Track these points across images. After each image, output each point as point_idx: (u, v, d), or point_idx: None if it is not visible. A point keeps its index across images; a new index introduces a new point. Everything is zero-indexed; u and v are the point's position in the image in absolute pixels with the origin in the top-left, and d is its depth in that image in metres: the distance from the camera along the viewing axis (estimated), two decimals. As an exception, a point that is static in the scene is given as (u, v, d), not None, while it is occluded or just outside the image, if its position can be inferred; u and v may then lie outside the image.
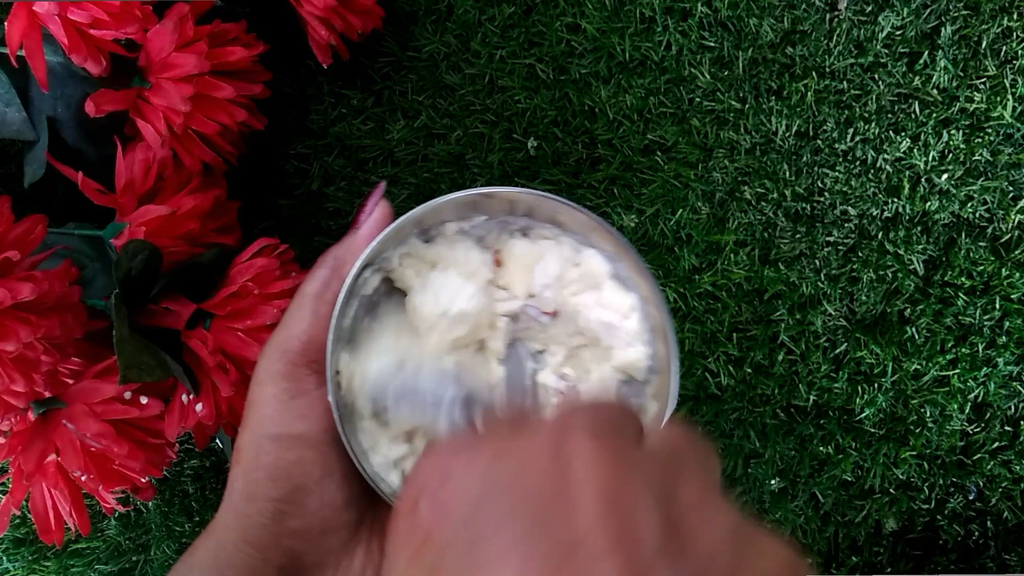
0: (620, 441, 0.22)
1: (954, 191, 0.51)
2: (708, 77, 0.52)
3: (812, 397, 0.52)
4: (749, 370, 0.53)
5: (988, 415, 0.52)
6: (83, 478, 0.42)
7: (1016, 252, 0.51)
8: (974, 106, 0.50)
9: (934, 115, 0.51)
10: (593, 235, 0.36)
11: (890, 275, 0.51)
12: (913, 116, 0.51)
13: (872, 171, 0.51)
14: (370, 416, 0.34)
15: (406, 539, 0.22)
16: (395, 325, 0.36)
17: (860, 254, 0.52)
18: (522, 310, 0.37)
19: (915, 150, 0.51)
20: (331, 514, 0.32)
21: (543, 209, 0.36)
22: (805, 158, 0.52)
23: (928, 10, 0.50)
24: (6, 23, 0.39)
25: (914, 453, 0.52)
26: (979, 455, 0.52)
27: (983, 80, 0.50)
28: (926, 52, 0.51)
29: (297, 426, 0.32)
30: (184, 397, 0.43)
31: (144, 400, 0.43)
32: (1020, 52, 0.50)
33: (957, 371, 0.52)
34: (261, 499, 0.31)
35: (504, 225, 0.37)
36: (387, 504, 0.32)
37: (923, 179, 0.51)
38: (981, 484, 0.52)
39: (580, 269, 0.36)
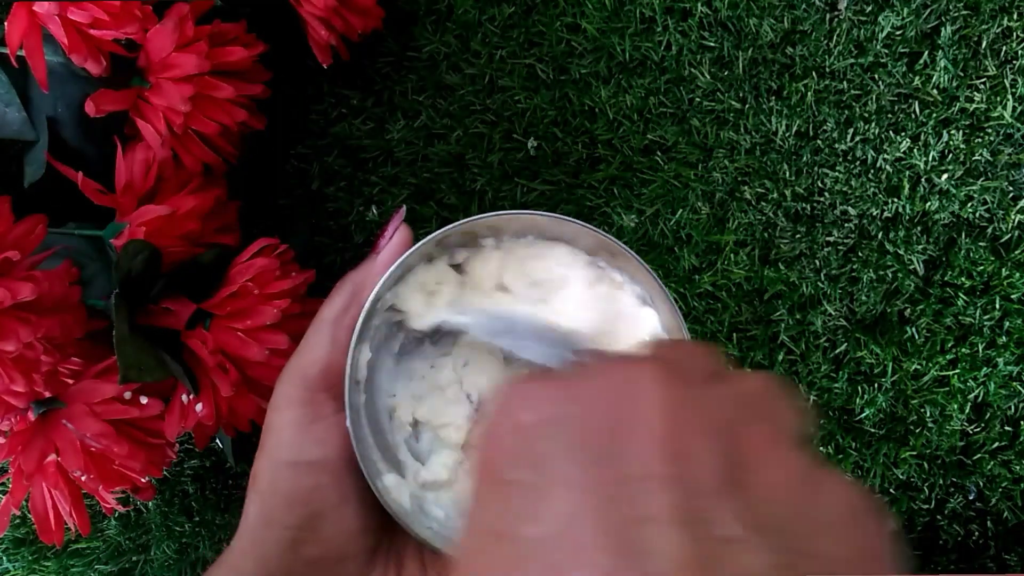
0: (689, 380, 0.22)
1: (954, 191, 0.51)
2: (708, 77, 0.52)
3: (812, 397, 0.52)
4: (749, 370, 0.53)
5: (988, 415, 0.52)
6: (83, 478, 0.42)
7: (1016, 252, 0.51)
8: (974, 106, 0.50)
9: (934, 115, 0.51)
10: (618, 260, 0.36)
11: (890, 275, 0.51)
12: (913, 116, 0.51)
13: (872, 171, 0.51)
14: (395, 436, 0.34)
15: (486, 466, 0.23)
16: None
17: (860, 254, 0.52)
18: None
19: (915, 150, 0.51)
20: (348, 541, 0.32)
21: (562, 232, 0.36)
22: (805, 158, 0.52)
23: (928, 10, 0.50)
24: (6, 23, 0.39)
25: (914, 453, 0.52)
26: (979, 455, 0.52)
27: (983, 80, 0.50)
28: (926, 52, 0.51)
29: (314, 452, 0.31)
30: (184, 397, 0.43)
31: (144, 400, 0.43)
32: (1020, 52, 0.50)
33: (957, 371, 0.52)
34: (278, 526, 0.31)
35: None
36: (403, 531, 0.32)
37: (923, 179, 0.51)
38: (981, 484, 0.52)
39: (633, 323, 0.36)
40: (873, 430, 0.52)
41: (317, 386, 0.32)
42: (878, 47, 0.51)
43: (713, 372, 0.23)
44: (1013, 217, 0.51)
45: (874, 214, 0.51)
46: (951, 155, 0.51)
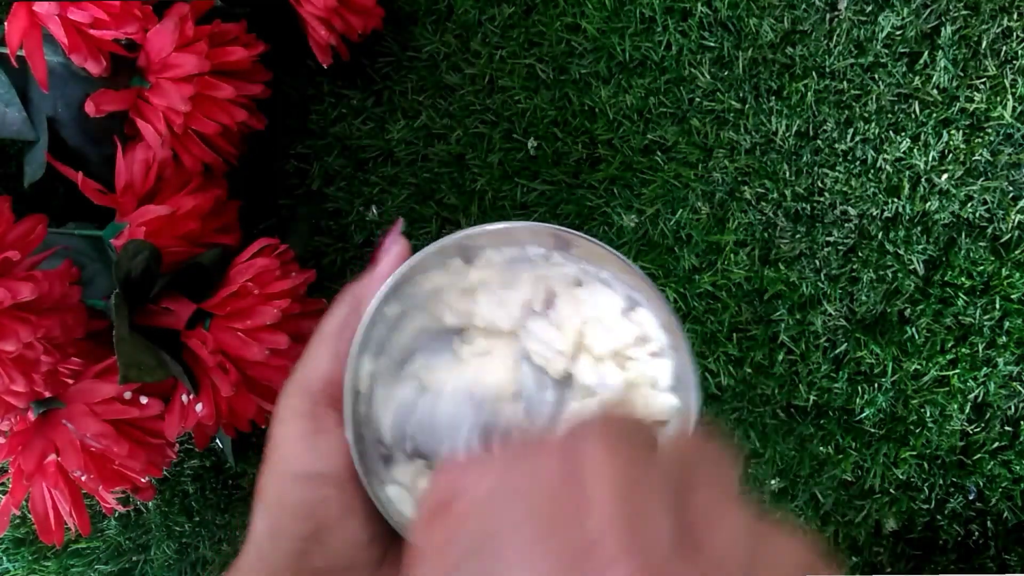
0: (631, 447, 0.22)
1: (954, 191, 0.51)
2: (708, 77, 0.52)
3: (812, 397, 0.52)
4: (749, 370, 0.53)
5: (988, 415, 0.52)
6: (83, 478, 0.42)
7: (1016, 252, 0.51)
8: (974, 106, 0.50)
9: (934, 115, 0.51)
10: (623, 275, 0.36)
11: (890, 275, 0.51)
12: (913, 116, 0.51)
13: (872, 171, 0.51)
14: (393, 448, 0.34)
15: (425, 553, 0.23)
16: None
17: (860, 254, 0.52)
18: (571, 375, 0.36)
19: (915, 150, 0.51)
20: (354, 552, 0.32)
21: (572, 245, 0.35)
22: (805, 158, 0.52)
23: (928, 10, 0.50)
24: (6, 23, 0.39)
25: (914, 453, 0.52)
26: (979, 455, 0.52)
27: (983, 80, 0.50)
28: (926, 52, 0.51)
29: (320, 465, 0.32)
30: (184, 397, 0.43)
31: (144, 400, 0.43)
32: (1020, 52, 0.50)
33: (957, 371, 0.52)
34: (285, 538, 0.31)
35: (546, 259, 0.37)
36: (408, 541, 0.32)
37: (923, 179, 0.51)
38: (981, 484, 0.52)
39: (636, 334, 0.36)
40: (873, 430, 0.52)
41: (320, 399, 0.32)
42: (878, 47, 0.51)
43: (649, 439, 0.23)
44: (1013, 217, 0.51)
45: (874, 214, 0.51)
46: (951, 155, 0.51)
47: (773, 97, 0.52)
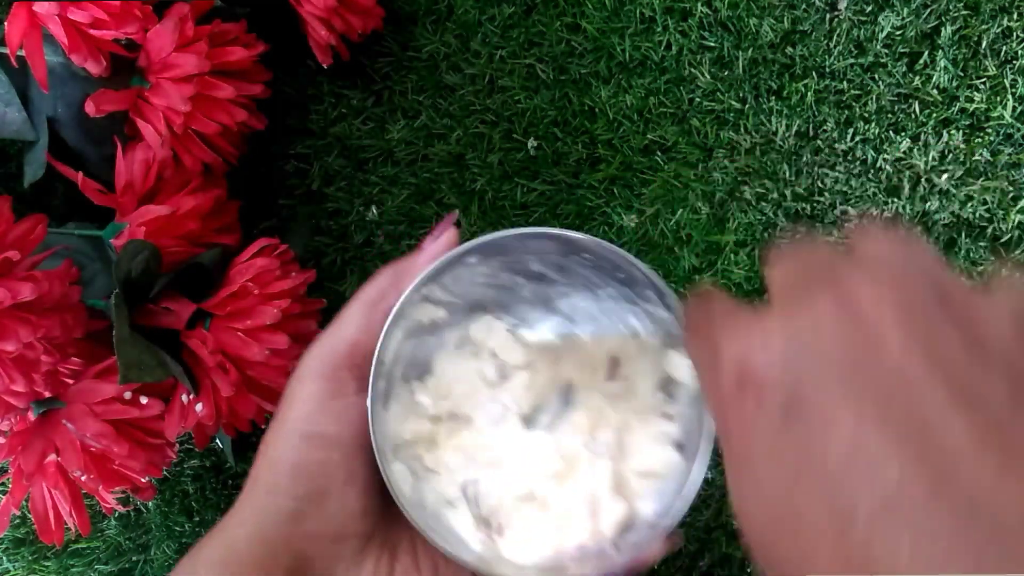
0: (890, 273, 0.23)
1: (954, 191, 0.51)
2: (708, 77, 0.52)
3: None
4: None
5: (988, 415, 0.52)
6: (83, 478, 0.42)
7: (1016, 252, 0.51)
8: (974, 106, 0.50)
9: (934, 115, 0.51)
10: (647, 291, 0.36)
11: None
12: (913, 116, 0.51)
13: (872, 171, 0.51)
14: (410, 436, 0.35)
15: (743, 424, 0.23)
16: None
17: (860, 254, 0.52)
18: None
19: (915, 150, 0.51)
20: (347, 521, 0.32)
21: (603, 255, 0.36)
22: (805, 158, 0.52)
23: (928, 10, 0.50)
24: (6, 23, 0.39)
25: (914, 453, 0.52)
26: (979, 455, 0.52)
27: (983, 80, 0.50)
28: (926, 52, 0.51)
29: (330, 427, 0.32)
30: (184, 397, 0.43)
31: (144, 400, 0.43)
32: (1020, 52, 0.50)
33: (957, 371, 0.52)
34: (282, 495, 0.31)
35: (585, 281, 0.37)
36: (398, 521, 0.32)
37: (923, 179, 0.51)
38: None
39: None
40: (873, 430, 0.52)
41: (343, 363, 0.32)
42: (878, 47, 0.51)
43: (897, 262, 0.24)
44: (1013, 217, 0.51)
45: (874, 214, 0.51)
46: (951, 155, 0.51)
47: (773, 97, 0.52)
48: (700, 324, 0.26)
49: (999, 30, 0.50)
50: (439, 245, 0.34)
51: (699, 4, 0.51)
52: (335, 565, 0.32)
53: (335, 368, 0.32)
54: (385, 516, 0.33)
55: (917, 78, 0.51)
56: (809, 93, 0.51)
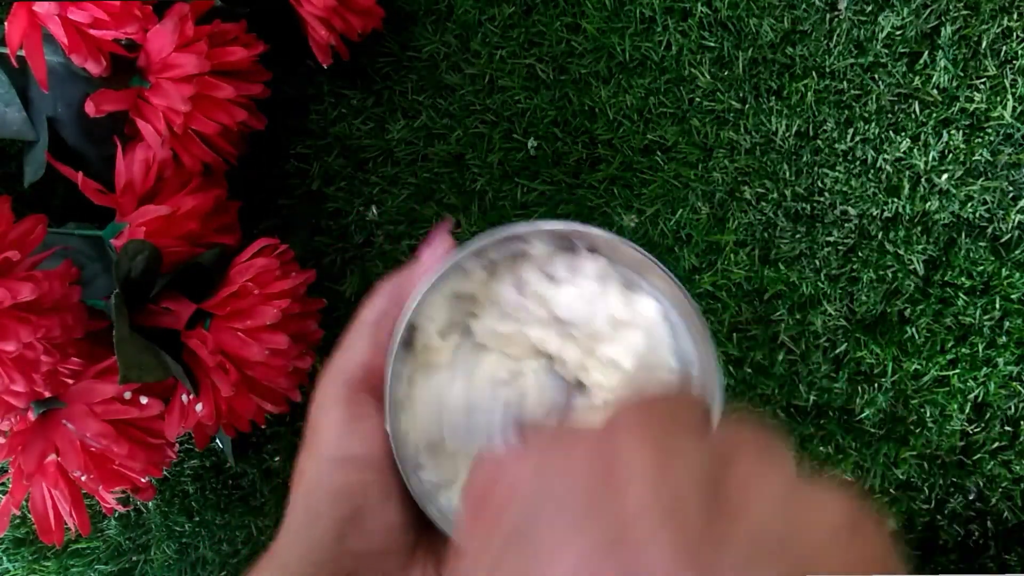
0: (664, 429, 0.23)
1: (954, 191, 0.51)
2: (708, 77, 0.52)
3: (812, 397, 0.52)
4: (749, 370, 0.53)
5: (988, 415, 0.52)
6: (83, 478, 0.42)
7: (1016, 252, 0.51)
8: (974, 106, 0.50)
9: (934, 115, 0.51)
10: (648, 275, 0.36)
11: (890, 275, 0.51)
12: (913, 116, 0.51)
13: (872, 171, 0.51)
14: (426, 448, 0.35)
15: (469, 547, 0.24)
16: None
17: (860, 254, 0.52)
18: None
19: (915, 150, 0.51)
20: (390, 536, 0.33)
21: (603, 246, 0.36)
22: (805, 158, 0.52)
23: (928, 10, 0.50)
24: (6, 23, 0.39)
25: (914, 453, 0.52)
26: (979, 455, 0.52)
27: (983, 80, 0.50)
28: (926, 52, 0.51)
29: (358, 449, 0.33)
30: (184, 397, 0.43)
31: (144, 400, 0.43)
32: (1020, 52, 0.50)
33: (957, 371, 0.52)
34: (324, 519, 0.32)
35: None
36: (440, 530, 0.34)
37: (923, 179, 0.51)
38: (981, 484, 0.52)
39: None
40: (873, 430, 0.52)
41: (359, 387, 0.33)
42: (878, 47, 0.51)
43: (693, 419, 0.24)
44: (1013, 217, 0.50)
45: (874, 214, 0.51)
46: (951, 155, 0.51)
47: (773, 97, 0.52)
48: (479, 457, 0.26)
49: (999, 30, 0.50)
50: (435, 254, 0.35)
51: (699, 4, 0.51)
52: None
53: (353, 391, 0.33)
54: (428, 524, 0.34)
55: (917, 78, 0.51)
56: (809, 93, 0.51)
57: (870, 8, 0.51)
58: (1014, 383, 0.51)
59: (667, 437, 0.22)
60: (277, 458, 0.57)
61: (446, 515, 0.33)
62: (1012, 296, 0.51)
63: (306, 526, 0.32)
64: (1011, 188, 0.51)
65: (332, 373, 0.34)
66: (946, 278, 0.51)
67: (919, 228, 0.51)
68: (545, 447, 0.24)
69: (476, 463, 0.25)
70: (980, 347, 0.51)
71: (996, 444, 0.52)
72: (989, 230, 0.51)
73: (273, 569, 0.32)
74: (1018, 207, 0.50)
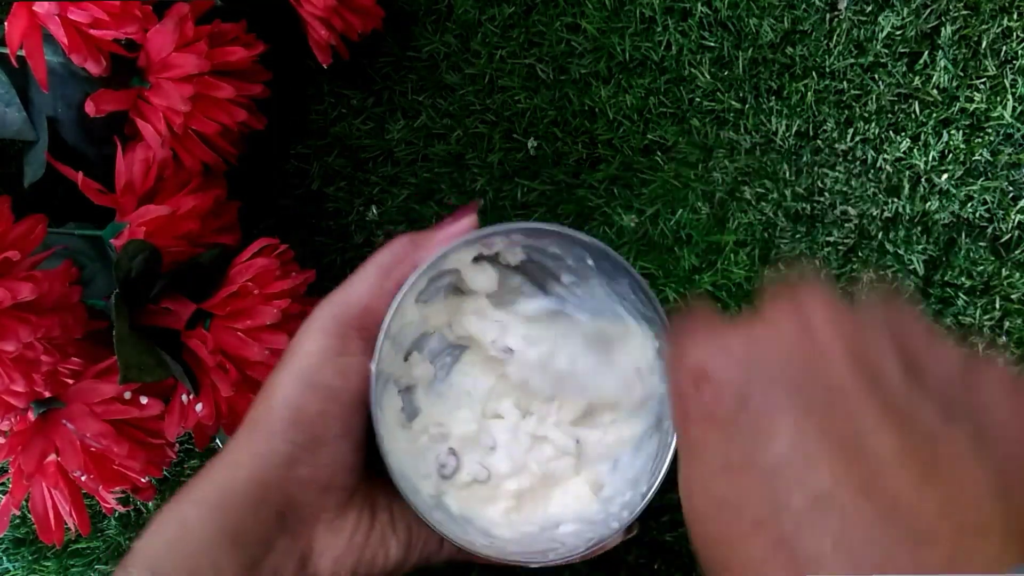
0: (846, 306, 0.26)
1: (954, 191, 0.51)
2: (708, 77, 0.52)
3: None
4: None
5: (988, 415, 0.52)
6: (83, 478, 0.42)
7: (1016, 252, 0.51)
8: (974, 106, 0.50)
9: (934, 115, 0.51)
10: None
11: (890, 275, 0.51)
12: (913, 116, 0.51)
13: (872, 171, 0.51)
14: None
15: (696, 416, 0.26)
16: None
17: (860, 254, 0.52)
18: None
19: (915, 150, 0.51)
20: (338, 472, 0.33)
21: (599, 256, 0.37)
22: (805, 158, 0.52)
23: (928, 10, 0.50)
24: (6, 23, 0.39)
25: (914, 453, 0.52)
26: (979, 455, 0.52)
27: (983, 80, 0.50)
28: (926, 52, 0.51)
29: (333, 381, 0.33)
30: (184, 397, 0.43)
31: (144, 400, 0.43)
32: (1020, 52, 0.50)
33: (957, 371, 0.52)
34: (280, 439, 0.32)
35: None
36: (379, 484, 0.34)
37: (923, 179, 0.51)
38: (981, 484, 0.52)
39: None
40: (873, 430, 0.52)
41: (352, 324, 0.34)
42: (878, 47, 0.51)
43: (842, 303, 0.27)
44: (1013, 217, 0.51)
45: (874, 214, 0.51)
46: (951, 155, 0.51)
47: (773, 97, 0.52)
48: (678, 334, 0.28)
49: (999, 30, 0.50)
50: (458, 228, 0.36)
51: (699, 4, 0.51)
52: (321, 513, 0.34)
53: (344, 326, 0.34)
54: (369, 475, 0.35)
55: (917, 78, 0.51)
56: (809, 93, 0.51)
57: (870, 8, 0.51)
58: (1014, 383, 0.51)
59: (847, 310, 0.25)
60: (277, 458, 0.57)
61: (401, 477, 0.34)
62: (1012, 296, 0.51)
63: (261, 442, 0.33)
64: (1011, 188, 0.51)
65: (328, 304, 0.35)
66: (946, 278, 0.51)
67: (919, 228, 0.51)
68: (748, 330, 0.26)
69: (678, 339, 0.27)
70: (980, 347, 0.51)
71: (996, 444, 0.52)
72: (989, 230, 0.51)
73: (215, 484, 0.32)
74: (1018, 207, 0.50)
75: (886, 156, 0.51)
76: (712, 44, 0.52)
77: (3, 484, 0.55)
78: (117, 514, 0.58)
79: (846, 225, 0.52)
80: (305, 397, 0.33)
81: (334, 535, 0.34)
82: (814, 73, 0.51)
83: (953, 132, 0.51)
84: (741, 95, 0.52)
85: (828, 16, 0.51)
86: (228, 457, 0.33)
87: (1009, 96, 0.50)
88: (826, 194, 0.52)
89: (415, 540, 0.35)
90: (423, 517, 0.33)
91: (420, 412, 0.40)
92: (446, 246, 0.35)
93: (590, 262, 0.38)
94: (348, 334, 0.34)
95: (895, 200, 0.51)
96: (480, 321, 0.39)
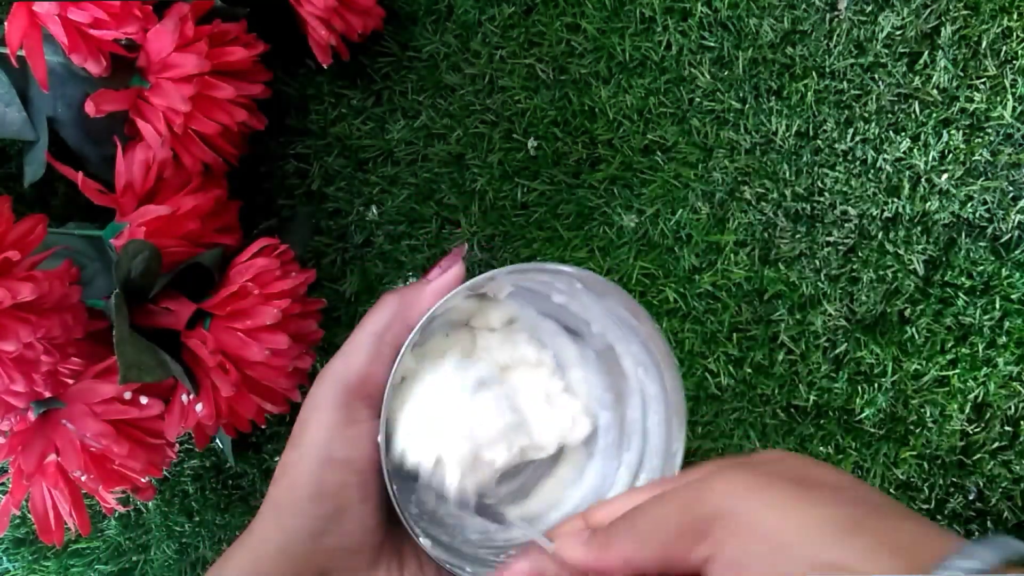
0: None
1: (954, 191, 0.51)
2: (708, 77, 0.52)
3: (812, 397, 0.52)
4: (749, 370, 0.53)
5: (988, 415, 0.52)
6: (83, 478, 0.42)
7: (1016, 252, 0.51)
8: (974, 106, 0.50)
9: (934, 115, 0.51)
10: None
11: (890, 275, 0.51)
12: (913, 116, 0.51)
13: (872, 171, 0.51)
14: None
15: None
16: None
17: (860, 254, 0.52)
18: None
19: (915, 150, 0.51)
20: (363, 535, 0.34)
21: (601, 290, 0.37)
22: (805, 158, 0.52)
23: (928, 10, 0.50)
24: (6, 23, 0.39)
25: (914, 453, 0.52)
26: (979, 455, 0.52)
27: (983, 80, 0.50)
28: (926, 52, 0.51)
29: (346, 452, 0.34)
30: (184, 397, 0.43)
31: (144, 400, 0.43)
32: (1020, 52, 0.50)
33: (957, 371, 0.52)
34: (304, 515, 0.33)
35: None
36: (402, 531, 0.35)
37: (923, 179, 0.51)
38: (981, 484, 0.52)
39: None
40: (873, 430, 0.52)
41: (355, 394, 0.35)
42: (878, 47, 0.51)
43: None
44: (1013, 217, 0.51)
45: (874, 214, 0.51)
46: (951, 155, 0.51)
47: (773, 97, 0.52)
48: None
49: (999, 30, 0.50)
50: (447, 279, 0.36)
51: (699, 4, 0.51)
52: (352, 575, 0.35)
53: (348, 397, 0.34)
54: (394, 524, 0.36)
55: (917, 78, 0.51)
56: (809, 93, 0.51)
57: (870, 8, 0.51)
58: (1014, 383, 0.51)
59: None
60: (277, 458, 0.57)
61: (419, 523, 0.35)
62: (1012, 296, 0.51)
63: (286, 519, 0.34)
64: (1011, 188, 0.51)
65: (330, 376, 0.35)
66: (946, 278, 0.51)
67: (919, 228, 0.51)
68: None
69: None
70: (980, 347, 0.51)
71: (996, 444, 0.52)
72: (989, 230, 0.51)
73: (244, 558, 0.33)
74: (1018, 207, 0.50)
75: (886, 156, 0.51)
76: (712, 44, 0.52)
77: (3, 484, 0.55)
78: (117, 514, 0.58)
79: (846, 225, 0.52)
80: (323, 472, 0.34)
81: None
82: (814, 73, 0.51)
83: (953, 132, 0.51)
84: (741, 95, 0.52)
85: (828, 16, 0.51)
86: (256, 535, 0.34)
87: (1009, 96, 0.50)
88: (826, 194, 0.52)
89: None
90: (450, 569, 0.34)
91: None
92: (436, 302, 0.35)
93: (579, 286, 0.38)
94: (353, 404, 0.34)
95: (895, 200, 0.51)
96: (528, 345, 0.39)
